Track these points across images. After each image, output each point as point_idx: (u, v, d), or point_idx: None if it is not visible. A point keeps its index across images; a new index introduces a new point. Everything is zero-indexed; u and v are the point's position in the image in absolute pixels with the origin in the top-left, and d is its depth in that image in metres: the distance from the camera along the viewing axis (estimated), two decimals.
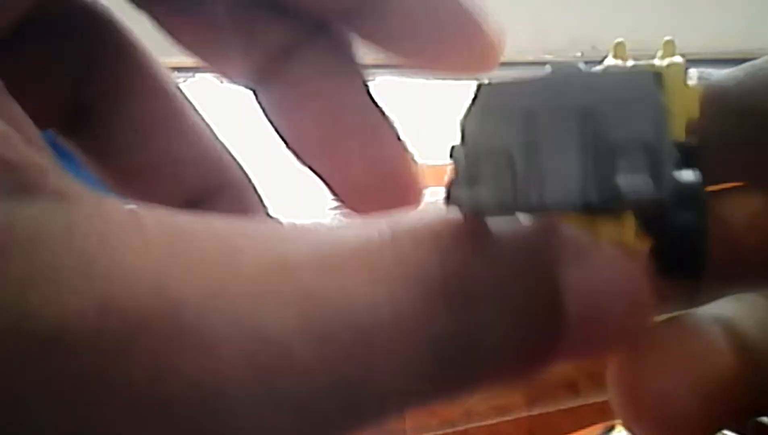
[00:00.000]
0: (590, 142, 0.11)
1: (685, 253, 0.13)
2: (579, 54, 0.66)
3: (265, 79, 0.16)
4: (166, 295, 0.09)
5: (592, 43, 0.67)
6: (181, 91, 0.17)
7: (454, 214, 0.11)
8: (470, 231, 0.11)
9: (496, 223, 0.11)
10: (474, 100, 0.12)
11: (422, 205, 0.15)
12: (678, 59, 0.14)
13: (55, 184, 0.10)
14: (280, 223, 0.11)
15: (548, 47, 0.66)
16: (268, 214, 0.17)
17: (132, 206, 0.10)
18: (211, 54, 0.16)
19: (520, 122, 0.11)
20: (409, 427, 0.35)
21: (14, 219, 0.09)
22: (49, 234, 0.09)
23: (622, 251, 0.12)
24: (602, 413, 0.32)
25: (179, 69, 0.21)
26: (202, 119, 0.17)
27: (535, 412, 0.36)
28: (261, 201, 0.17)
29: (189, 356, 0.09)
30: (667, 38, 0.14)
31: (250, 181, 0.17)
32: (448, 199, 0.12)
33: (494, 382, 0.11)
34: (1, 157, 0.09)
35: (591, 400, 0.37)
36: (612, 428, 0.30)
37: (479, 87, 0.12)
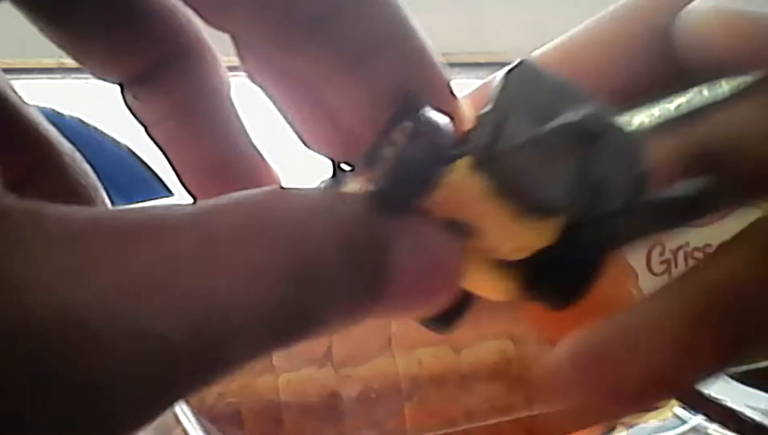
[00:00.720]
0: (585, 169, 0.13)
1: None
2: None
3: (135, 88, 0.18)
4: (73, 302, 0.10)
5: None
6: None
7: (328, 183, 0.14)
8: (320, 213, 0.13)
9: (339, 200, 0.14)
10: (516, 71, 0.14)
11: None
12: None
13: None
14: (175, 207, 0.12)
15: None
16: (226, 74, 0.19)
17: (36, 205, 0.11)
18: (85, 59, 0.18)
19: (542, 119, 0.13)
20: (409, 427, 0.35)
21: None
22: None
23: (447, 232, 0.14)
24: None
25: None
26: None
27: (535, 412, 0.36)
28: (220, 64, 0.18)
29: (92, 355, 0.10)
30: None
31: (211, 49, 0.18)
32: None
33: (324, 331, 0.13)
34: None
35: None
36: (612, 428, 0.30)
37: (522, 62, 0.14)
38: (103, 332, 0.10)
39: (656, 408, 0.31)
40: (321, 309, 0.13)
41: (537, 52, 0.19)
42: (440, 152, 0.14)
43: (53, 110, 0.53)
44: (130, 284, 0.11)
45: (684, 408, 0.30)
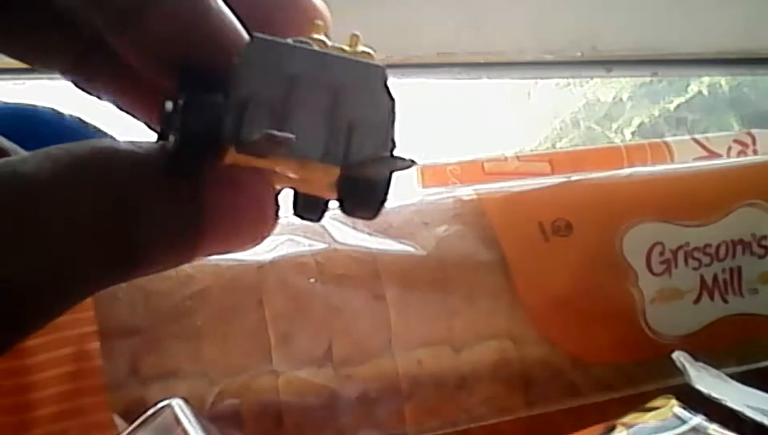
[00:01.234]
0: (335, 113, 0.15)
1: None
2: (579, 54, 0.66)
3: (80, 71, 0.19)
4: None
5: (592, 43, 0.67)
6: None
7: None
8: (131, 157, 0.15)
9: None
10: (249, 49, 0.15)
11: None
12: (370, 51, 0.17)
13: None
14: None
15: (548, 47, 0.66)
16: None
17: None
18: (24, 58, 0.20)
19: (286, 83, 0.15)
20: (409, 427, 0.35)
21: None
22: None
23: (263, 178, 0.16)
24: (602, 413, 0.32)
25: None
26: None
27: (535, 412, 0.36)
28: None
29: None
30: (353, 33, 0.16)
31: None
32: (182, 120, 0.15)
33: (151, 268, 0.15)
34: None
35: (591, 400, 0.36)
36: (612, 428, 0.30)
37: (254, 38, 0.15)
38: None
39: (657, 408, 0.31)
40: (143, 245, 0.15)
41: None
42: (212, 133, 0.15)
43: (53, 110, 0.53)
44: None
45: (684, 408, 0.30)
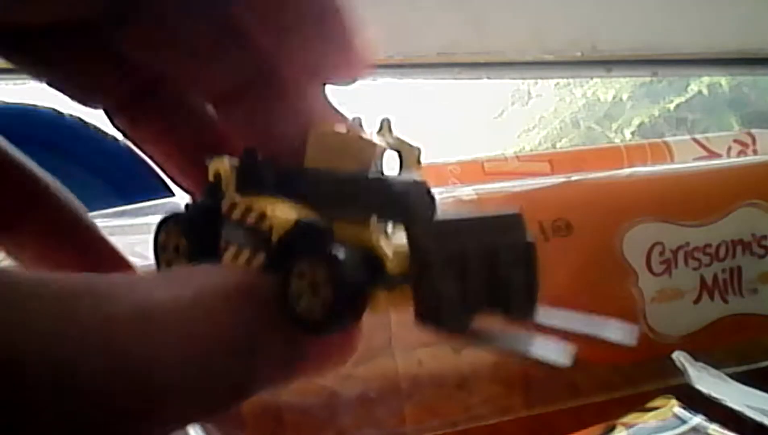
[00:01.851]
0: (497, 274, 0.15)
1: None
2: (579, 54, 0.66)
3: (118, 112, 0.19)
4: (10, 355, 0.11)
5: (592, 43, 0.67)
6: None
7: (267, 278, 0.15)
8: (247, 291, 0.15)
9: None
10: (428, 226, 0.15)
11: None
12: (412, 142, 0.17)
13: None
14: (112, 279, 0.13)
15: (548, 47, 0.66)
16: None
17: None
18: (65, 92, 0.19)
19: (460, 255, 0.15)
20: (409, 427, 0.35)
21: None
22: None
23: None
24: (602, 413, 0.32)
25: None
26: None
27: (535, 412, 0.36)
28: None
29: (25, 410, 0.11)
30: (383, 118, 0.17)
31: None
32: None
33: (255, 394, 0.15)
34: None
35: (591, 400, 0.36)
36: (612, 428, 0.30)
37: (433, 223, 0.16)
38: (42, 386, 0.11)
39: (657, 408, 0.31)
40: (254, 378, 0.14)
41: None
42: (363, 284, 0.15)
43: (53, 110, 0.53)
44: (71, 340, 0.12)
45: (684, 408, 0.30)
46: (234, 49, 0.17)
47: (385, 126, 0.17)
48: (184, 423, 0.14)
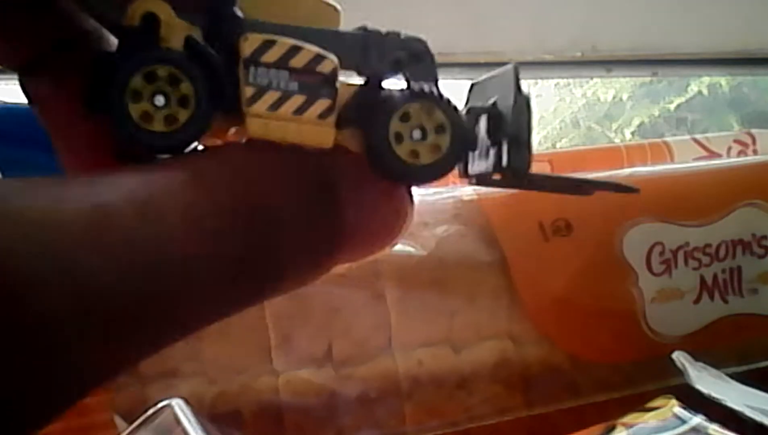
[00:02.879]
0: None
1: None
2: (579, 54, 0.66)
3: (29, 69, 0.17)
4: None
5: (592, 43, 0.67)
6: None
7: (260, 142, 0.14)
8: (267, 159, 0.13)
9: (287, 150, 0.14)
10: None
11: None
12: None
13: None
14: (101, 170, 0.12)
15: (548, 47, 0.66)
16: None
17: None
18: None
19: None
20: (409, 427, 0.35)
21: None
22: None
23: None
24: (602, 413, 0.32)
25: None
26: None
27: (535, 412, 0.36)
28: None
29: (23, 301, 0.10)
30: None
31: None
32: None
33: (289, 283, 0.13)
34: None
35: (591, 400, 0.37)
36: (612, 428, 0.30)
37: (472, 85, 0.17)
38: (42, 270, 0.10)
39: (657, 408, 0.31)
40: (281, 255, 0.13)
41: None
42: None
43: None
44: (63, 229, 0.10)
45: (684, 408, 0.30)
46: None
47: None
48: (201, 324, 0.12)
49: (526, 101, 0.16)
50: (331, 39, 0.15)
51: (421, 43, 0.16)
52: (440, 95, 0.15)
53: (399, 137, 0.15)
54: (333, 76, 0.15)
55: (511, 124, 0.16)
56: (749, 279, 0.39)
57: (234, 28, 0.14)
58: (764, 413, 0.29)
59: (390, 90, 0.15)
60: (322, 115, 0.14)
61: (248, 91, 0.14)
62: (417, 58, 0.16)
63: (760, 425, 0.28)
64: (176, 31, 0.14)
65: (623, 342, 0.37)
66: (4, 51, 0.17)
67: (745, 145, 0.53)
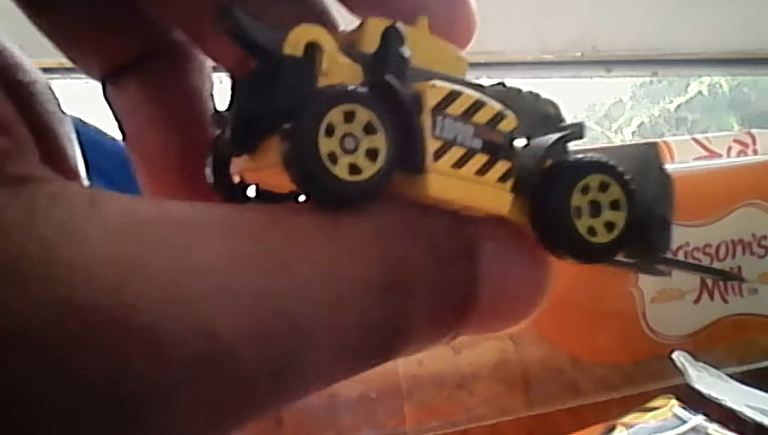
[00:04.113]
0: None
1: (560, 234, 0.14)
2: (579, 54, 0.66)
3: (114, 77, 0.17)
4: (124, 296, 0.09)
5: (592, 43, 0.67)
6: None
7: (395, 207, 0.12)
8: (408, 224, 0.12)
9: (426, 213, 0.12)
10: None
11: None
12: None
13: (15, 170, 0.09)
14: (237, 209, 0.11)
15: (548, 47, 0.66)
16: (210, 76, 0.17)
17: (91, 189, 0.10)
18: (70, 47, 0.16)
19: None
20: (409, 427, 0.35)
21: None
22: (10, 222, 0.09)
23: (531, 243, 0.13)
24: (602, 413, 0.32)
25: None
26: None
27: (535, 412, 0.36)
28: (205, 64, 0.17)
29: (141, 355, 0.09)
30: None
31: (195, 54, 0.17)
32: None
33: (407, 351, 0.12)
34: None
35: (591, 400, 0.36)
36: (612, 428, 0.30)
37: None
38: (161, 328, 0.09)
39: (656, 408, 0.31)
40: (408, 327, 0.12)
41: None
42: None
43: None
44: (194, 280, 0.10)
45: (684, 408, 0.30)
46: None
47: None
48: (322, 380, 0.12)
49: (671, 180, 0.15)
50: (494, 94, 0.14)
51: (555, 106, 0.15)
52: (619, 169, 0.14)
53: (578, 211, 0.14)
54: (512, 136, 0.13)
55: (656, 204, 0.15)
56: (749, 279, 0.39)
57: (402, 71, 0.13)
58: (764, 413, 0.29)
59: (565, 157, 0.14)
60: (502, 178, 0.13)
61: (433, 145, 0.12)
62: (559, 119, 0.15)
63: (760, 425, 0.28)
64: (339, 67, 0.12)
65: (623, 342, 0.37)
66: (88, 58, 0.17)
67: (745, 145, 0.53)
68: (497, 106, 0.13)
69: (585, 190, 0.14)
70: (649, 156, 0.15)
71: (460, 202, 0.13)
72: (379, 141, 0.12)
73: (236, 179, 0.14)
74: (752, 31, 0.68)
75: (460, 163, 0.13)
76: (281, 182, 0.12)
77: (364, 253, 0.11)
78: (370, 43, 0.13)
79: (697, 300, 0.38)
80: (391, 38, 0.13)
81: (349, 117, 0.12)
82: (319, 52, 0.12)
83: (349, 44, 0.13)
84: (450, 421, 0.35)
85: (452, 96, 0.13)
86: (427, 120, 0.12)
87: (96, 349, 0.09)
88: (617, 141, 0.97)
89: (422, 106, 0.12)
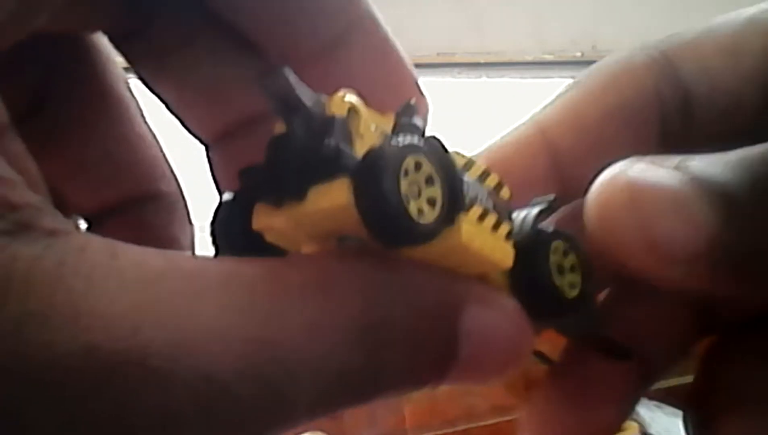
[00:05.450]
0: None
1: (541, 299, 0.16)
2: (579, 54, 0.66)
3: (220, 142, 0.18)
4: (138, 341, 0.11)
5: (592, 43, 0.67)
6: (134, 99, 0.19)
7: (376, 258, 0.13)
8: (394, 282, 0.13)
9: (414, 272, 0.14)
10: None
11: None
12: None
13: (48, 223, 0.11)
14: (237, 263, 0.13)
15: (548, 47, 0.66)
16: (191, 227, 0.20)
17: (111, 242, 0.11)
18: (181, 109, 0.18)
19: None
20: (409, 427, 0.35)
21: (13, 255, 0.10)
22: (44, 271, 0.10)
23: (513, 302, 0.15)
24: None
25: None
26: (149, 129, 0.19)
27: None
28: (188, 215, 0.19)
29: (151, 394, 0.11)
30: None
31: (182, 195, 0.20)
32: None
33: (389, 397, 0.13)
34: (5, 198, 0.11)
35: None
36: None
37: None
38: (166, 369, 0.11)
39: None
40: (384, 377, 0.13)
41: (542, 115, 0.19)
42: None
43: None
44: (197, 328, 0.11)
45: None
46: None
47: None
48: (312, 415, 0.13)
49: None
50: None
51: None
52: (575, 238, 0.16)
53: (560, 270, 0.16)
54: (510, 203, 0.15)
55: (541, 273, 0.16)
56: None
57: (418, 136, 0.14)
58: None
59: (533, 228, 0.16)
60: (507, 237, 0.15)
61: (464, 197, 0.14)
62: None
63: None
64: (370, 132, 0.14)
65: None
66: (199, 123, 0.18)
67: None
68: (497, 177, 0.15)
69: (556, 251, 0.16)
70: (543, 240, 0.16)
71: (479, 252, 0.14)
72: (436, 191, 0.13)
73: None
74: None
75: (482, 217, 0.14)
76: (314, 231, 0.14)
77: (348, 307, 0.12)
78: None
79: None
80: (407, 110, 0.15)
81: (417, 166, 0.13)
82: (357, 115, 0.14)
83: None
84: (450, 420, 0.35)
85: (469, 163, 0.15)
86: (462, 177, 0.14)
87: (111, 388, 0.11)
88: None
89: (456, 167, 0.14)
